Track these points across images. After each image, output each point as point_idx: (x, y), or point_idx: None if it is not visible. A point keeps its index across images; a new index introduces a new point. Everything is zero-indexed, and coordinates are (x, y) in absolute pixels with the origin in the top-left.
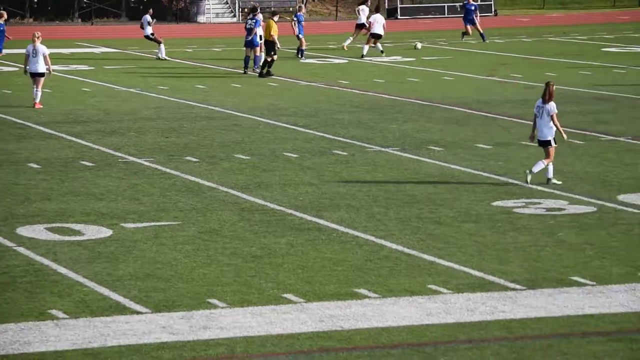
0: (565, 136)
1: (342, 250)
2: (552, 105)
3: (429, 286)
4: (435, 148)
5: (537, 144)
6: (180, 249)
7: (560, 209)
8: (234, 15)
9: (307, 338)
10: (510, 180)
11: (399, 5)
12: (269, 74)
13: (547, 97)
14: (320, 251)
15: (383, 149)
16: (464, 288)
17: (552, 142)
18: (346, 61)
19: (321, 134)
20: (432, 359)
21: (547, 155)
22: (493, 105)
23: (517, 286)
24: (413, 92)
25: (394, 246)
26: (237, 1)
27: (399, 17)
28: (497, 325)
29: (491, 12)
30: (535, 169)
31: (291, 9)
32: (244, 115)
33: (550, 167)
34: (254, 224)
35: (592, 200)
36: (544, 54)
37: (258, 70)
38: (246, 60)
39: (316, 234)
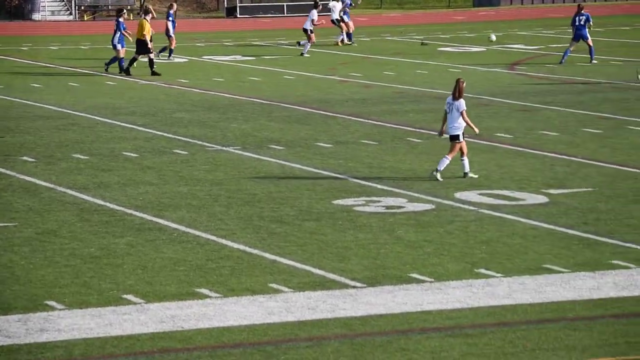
0: (477, 130)
1: (183, 250)
2: (461, 102)
3: (271, 285)
4: (275, 147)
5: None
6: (16, 251)
7: (399, 207)
8: (70, 14)
9: (147, 339)
10: (350, 179)
11: (238, 4)
12: (155, 74)
13: (457, 94)
14: (161, 251)
15: (224, 148)
16: (305, 286)
17: (460, 138)
18: (186, 60)
19: (161, 133)
20: (273, 358)
21: (451, 150)
22: (332, 104)
23: (358, 284)
24: (253, 91)
25: (235, 245)
26: None
27: (238, 15)
28: (338, 323)
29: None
30: (441, 166)
31: (129, 7)
32: (81, 114)
33: (466, 162)
34: (93, 224)
35: (430, 198)
36: (383, 53)
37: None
38: (121, 61)
39: (157, 234)
